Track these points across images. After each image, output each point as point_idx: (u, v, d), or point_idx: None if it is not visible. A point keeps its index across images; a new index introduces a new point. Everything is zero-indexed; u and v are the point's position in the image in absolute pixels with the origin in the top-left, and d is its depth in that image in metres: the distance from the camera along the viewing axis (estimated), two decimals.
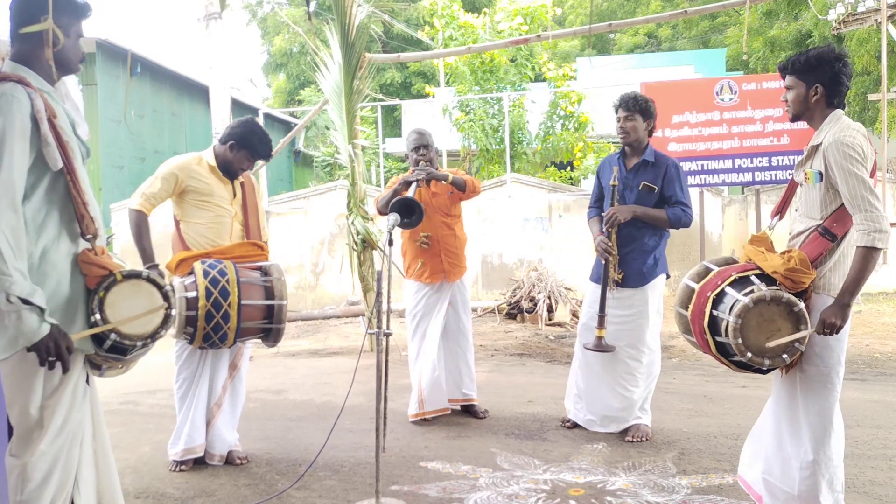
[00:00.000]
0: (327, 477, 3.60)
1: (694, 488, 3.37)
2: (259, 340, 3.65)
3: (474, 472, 3.62)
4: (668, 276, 4.25)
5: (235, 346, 3.72)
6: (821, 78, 2.73)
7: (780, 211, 3.06)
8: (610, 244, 4.05)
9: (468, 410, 4.70)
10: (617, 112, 4.17)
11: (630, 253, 4.07)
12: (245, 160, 3.75)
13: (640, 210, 4.03)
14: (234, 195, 3.79)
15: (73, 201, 2.27)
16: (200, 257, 3.53)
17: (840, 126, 2.69)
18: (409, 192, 4.16)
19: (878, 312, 8.83)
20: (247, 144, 3.71)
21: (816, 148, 2.73)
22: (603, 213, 4.14)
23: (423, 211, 4.01)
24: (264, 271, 3.61)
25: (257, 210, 3.91)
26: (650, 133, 4.16)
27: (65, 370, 2.16)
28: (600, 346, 4.06)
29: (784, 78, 2.87)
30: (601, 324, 4.06)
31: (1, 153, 2.09)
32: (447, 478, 3.56)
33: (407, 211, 3.94)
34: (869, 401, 4.90)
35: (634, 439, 4.05)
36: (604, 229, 4.07)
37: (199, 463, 3.76)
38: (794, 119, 2.88)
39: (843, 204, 2.65)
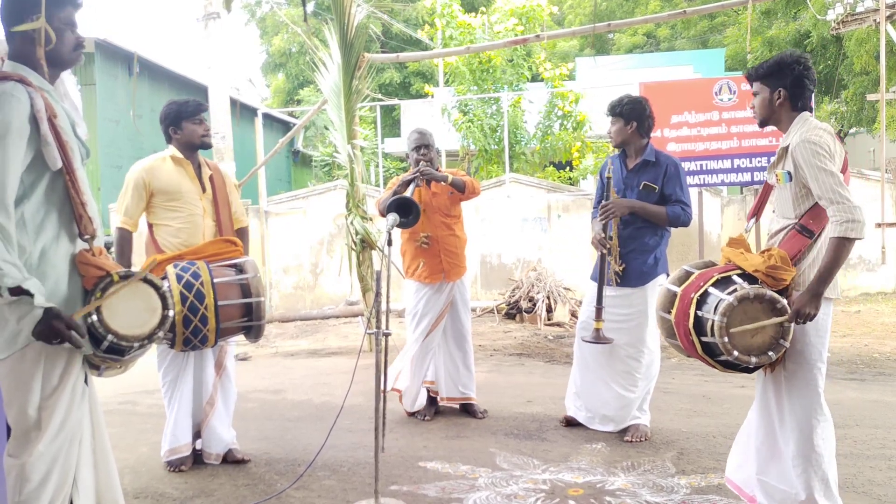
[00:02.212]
0: (326, 477, 3.60)
1: (693, 488, 3.37)
2: (243, 337, 3.60)
3: (473, 472, 3.62)
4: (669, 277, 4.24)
5: (218, 345, 3.69)
6: (783, 82, 2.81)
7: (756, 213, 3.13)
8: (604, 236, 4.05)
9: (467, 410, 4.70)
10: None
11: (630, 252, 4.07)
12: (194, 126, 3.70)
13: (638, 205, 4.03)
14: (204, 190, 3.73)
15: (72, 201, 2.26)
16: (173, 260, 3.47)
17: (807, 127, 2.75)
18: (408, 192, 4.17)
19: (876, 312, 8.84)
20: (178, 115, 3.68)
21: (785, 150, 2.79)
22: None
23: (419, 210, 4.02)
24: (239, 268, 3.55)
25: (229, 204, 3.84)
26: (644, 134, 4.13)
27: (77, 347, 2.16)
28: (598, 338, 4.07)
29: (752, 85, 2.93)
30: (598, 316, 4.06)
31: None
32: (446, 478, 3.56)
33: (404, 210, 3.95)
34: (867, 401, 4.90)
35: (633, 439, 4.05)
36: (600, 232, 4.08)
37: (198, 463, 3.76)
38: (761, 124, 2.94)
39: (816, 202, 2.69)
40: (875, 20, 8.96)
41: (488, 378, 5.87)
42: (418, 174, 4.34)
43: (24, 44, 2.27)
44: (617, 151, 4.29)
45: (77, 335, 2.15)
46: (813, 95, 2.91)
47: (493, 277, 10.33)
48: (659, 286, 4.13)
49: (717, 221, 10.37)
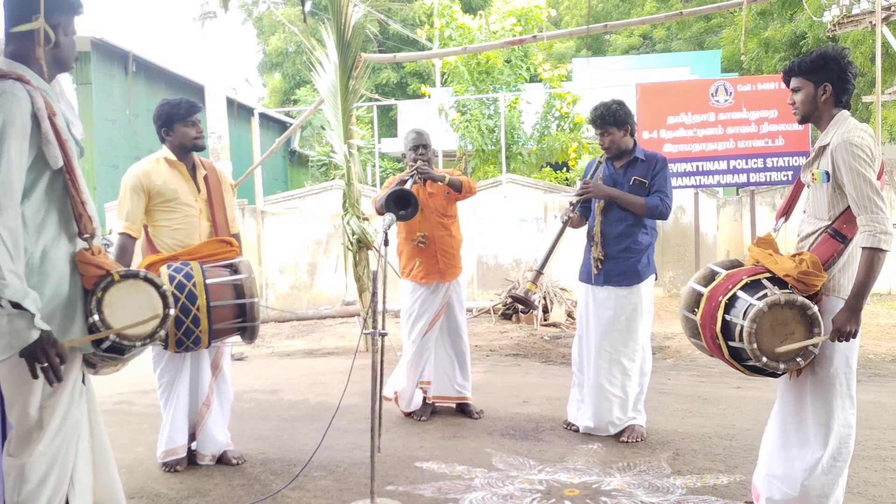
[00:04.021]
0: (322, 477, 3.60)
1: (689, 488, 3.38)
2: (239, 339, 3.59)
3: (469, 473, 3.62)
4: (657, 278, 4.29)
5: (214, 346, 3.68)
6: (829, 77, 2.73)
7: (786, 213, 3.04)
8: (570, 209, 4.14)
9: (463, 410, 4.71)
10: (594, 130, 4.22)
11: (625, 251, 4.10)
12: (186, 129, 3.66)
13: (617, 193, 4.08)
14: (199, 191, 3.72)
15: (72, 200, 2.26)
16: (167, 260, 3.44)
17: (847, 126, 2.69)
18: (406, 186, 4.19)
19: (872, 314, 8.86)
20: (170, 117, 3.65)
21: (823, 148, 2.73)
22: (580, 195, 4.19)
23: (418, 202, 4.06)
24: (234, 269, 3.52)
25: (224, 204, 3.81)
26: (633, 134, 4.17)
27: (58, 379, 2.11)
28: (527, 298, 4.13)
29: (788, 81, 2.85)
30: (536, 279, 4.16)
31: (0, 152, 2.08)
32: (442, 478, 3.56)
33: (402, 203, 3.97)
34: (863, 402, 4.87)
35: (629, 440, 4.06)
36: (573, 200, 4.16)
37: (194, 463, 3.75)
38: (802, 121, 2.86)
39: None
40: (871, 22, 8.98)
41: (485, 378, 5.87)
42: (415, 172, 4.36)
43: (23, 43, 2.27)
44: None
45: (60, 367, 2.10)
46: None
47: (489, 278, 10.34)
48: (651, 285, 4.19)
49: (712, 222, 10.39)
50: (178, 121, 3.66)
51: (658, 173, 4.08)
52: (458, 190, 4.48)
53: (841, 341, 2.63)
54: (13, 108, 2.11)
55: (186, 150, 3.71)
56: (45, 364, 2.08)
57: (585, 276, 4.27)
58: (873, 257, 2.57)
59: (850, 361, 2.73)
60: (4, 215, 2.06)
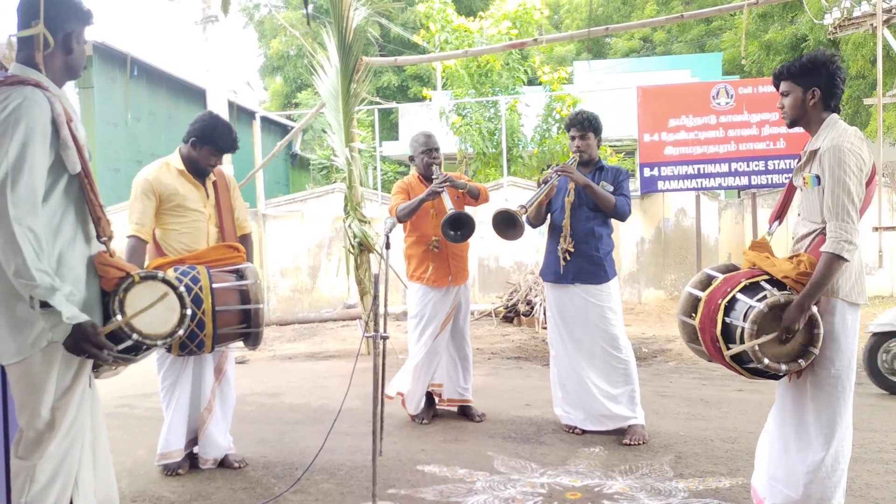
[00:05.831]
0: (324, 480, 3.60)
1: (691, 492, 3.37)
2: (241, 344, 3.58)
3: (471, 476, 3.62)
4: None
5: (218, 351, 3.68)
6: (817, 81, 2.75)
7: (780, 216, 3.05)
8: (550, 175, 4.21)
9: (465, 413, 4.71)
10: (569, 132, 4.40)
11: (593, 250, 4.25)
12: (210, 156, 3.66)
13: (595, 185, 4.23)
14: (208, 196, 3.72)
15: (90, 203, 2.31)
16: (174, 263, 3.42)
17: (838, 131, 2.69)
18: (448, 205, 4.25)
19: (873, 316, 8.83)
20: (208, 139, 3.62)
21: (815, 153, 2.74)
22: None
23: (474, 224, 4.25)
24: (240, 274, 3.52)
25: (232, 210, 3.82)
26: (598, 145, 4.42)
27: (104, 362, 2.24)
28: (514, 214, 4.09)
29: (778, 85, 2.87)
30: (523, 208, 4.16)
31: (23, 157, 2.12)
32: (444, 481, 3.56)
33: (457, 224, 4.16)
34: (865, 404, 4.90)
35: (631, 442, 4.06)
36: (552, 171, 4.22)
37: (196, 467, 3.75)
38: (791, 125, 2.87)
39: None
40: (872, 24, 8.98)
41: (486, 381, 5.87)
42: (444, 184, 4.34)
43: (34, 49, 2.30)
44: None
45: (102, 353, 2.20)
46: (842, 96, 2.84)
47: (490, 281, 10.34)
48: (617, 285, 4.34)
49: (714, 225, 10.39)
50: (213, 146, 3.64)
51: (623, 181, 4.34)
52: (475, 197, 4.53)
53: (786, 338, 2.63)
54: (35, 115, 2.16)
55: (197, 167, 3.71)
56: (86, 354, 2.18)
57: (552, 276, 4.34)
58: (833, 263, 2.58)
59: (852, 362, 2.73)
60: (30, 217, 2.12)
